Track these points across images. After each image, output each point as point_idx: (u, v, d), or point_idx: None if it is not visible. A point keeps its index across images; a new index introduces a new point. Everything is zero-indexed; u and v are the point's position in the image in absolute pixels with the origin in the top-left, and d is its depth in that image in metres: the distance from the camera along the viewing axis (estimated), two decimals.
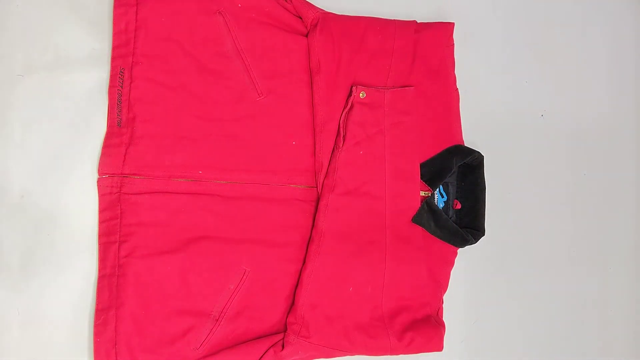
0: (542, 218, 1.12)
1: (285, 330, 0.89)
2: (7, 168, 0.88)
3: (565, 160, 1.13)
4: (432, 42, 0.96)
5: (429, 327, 0.92)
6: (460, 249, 0.97)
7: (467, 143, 1.00)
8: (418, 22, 0.98)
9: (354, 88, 0.91)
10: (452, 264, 0.97)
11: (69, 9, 0.91)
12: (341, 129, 0.91)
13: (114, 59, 0.89)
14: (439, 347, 0.92)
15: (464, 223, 0.98)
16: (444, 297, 0.97)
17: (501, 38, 1.11)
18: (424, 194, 0.94)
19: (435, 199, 0.98)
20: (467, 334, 1.06)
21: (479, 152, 0.96)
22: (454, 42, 0.99)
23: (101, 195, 0.87)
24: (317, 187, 0.92)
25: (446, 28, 0.98)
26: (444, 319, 0.96)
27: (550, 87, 1.13)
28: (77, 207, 0.89)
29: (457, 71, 0.99)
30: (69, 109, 0.90)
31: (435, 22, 0.99)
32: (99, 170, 0.87)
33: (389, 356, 0.91)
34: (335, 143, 0.92)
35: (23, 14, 0.90)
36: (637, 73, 1.17)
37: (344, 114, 0.91)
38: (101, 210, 0.87)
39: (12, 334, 0.86)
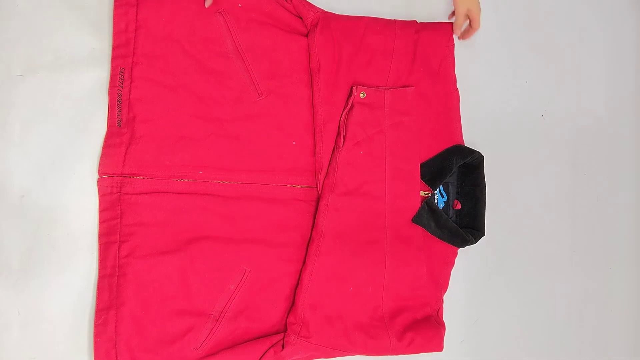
0: (542, 218, 1.12)
1: (285, 330, 0.89)
2: (7, 168, 0.88)
3: (565, 160, 1.13)
4: (432, 42, 0.96)
5: (429, 327, 0.92)
6: (460, 249, 0.97)
7: (467, 143, 1.00)
8: (418, 22, 0.98)
9: (354, 88, 0.91)
10: (452, 264, 0.97)
11: (69, 9, 0.91)
12: (341, 129, 0.91)
13: (114, 59, 0.89)
14: (439, 347, 0.92)
15: (464, 223, 0.98)
16: (444, 297, 0.97)
17: (501, 38, 1.11)
18: (424, 194, 0.94)
19: (436, 199, 0.98)
20: (467, 334, 1.06)
21: (479, 152, 0.96)
22: (454, 42, 0.99)
23: (101, 196, 0.87)
24: (317, 187, 0.92)
25: (446, 28, 0.98)
26: (444, 319, 0.96)
27: (550, 87, 1.13)
28: (77, 206, 0.89)
29: (457, 71, 0.99)
30: (69, 109, 0.90)
31: (436, 22, 0.99)
32: (99, 171, 0.87)
33: (389, 356, 0.91)
34: (336, 143, 0.92)
35: (23, 14, 0.90)
36: (637, 73, 1.17)
37: (344, 114, 0.91)
38: (101, 210, 0.87)
39: (12, 334, 0.86)
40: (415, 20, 0.98)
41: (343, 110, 0.92)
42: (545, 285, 1.11)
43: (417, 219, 0.92)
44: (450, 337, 0.95)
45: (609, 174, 1.16)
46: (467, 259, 1.04)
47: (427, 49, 0.96)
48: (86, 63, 0.91)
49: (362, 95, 0.91)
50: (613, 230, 1.16)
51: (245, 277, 0.89)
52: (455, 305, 1.02)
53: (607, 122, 1.16)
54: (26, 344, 0.86)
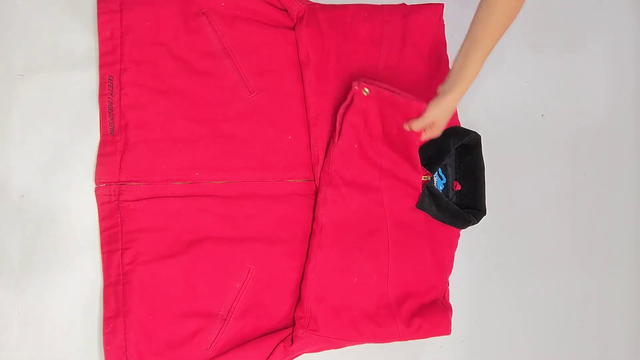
0: (543, 218, 1.12)
1: (293, 325, 0.89)
2: (8, 168, 0.87)
3: (565, 160, 1.13)
4: (421, 25, 0.95)
5: (436, 312, 0.92)
6: (460, 246, 0.97)
7: None
8: (407, 4, 0.96)
9: (355, 83, 0.88)
10: (455, 246, 0.97)
11: (68, 9, 0.91)
12: (337, 123, 0.90)
13: (101, 67, 0.88)
14: (446, 331, 0.92)
15: (465, 204, 0.97)
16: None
17: (501, 38, 1.10)
18: (423, 179, 0.94)
19: (435, 183, 0.97)
20: (468, 334, 1.06)
21: (475, 132, 0.95)
22: (444, 23, 0.98)
23: (100, 205, 0.86)
24: (314, 180, 0.92)
25: (435, 10, 0.96)
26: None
27: (550, 87, 1.13)
28: (77, 206, 0.89)
29: None
30: (69, 108, 0.90)
31: (424, 4, 0.96)
32: (95, 180, 0.87)
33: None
34: (331, 135, 0.91)
35: (23, 14, 0.90)
36: (637, 73, 1.17)
37: (342, 108, 0.89)
38: (101, 219, 0.86)
39: (12, 334, 0.86)
40: (404, 3, 0.97)
41: (341, 104, 0.89)
42: (545, 285, 1.11)
43: (418, 205, 0.92)
44: (451, 337, 0.95)
45: (609, 174, 1.16)
46: (467, 259, 1.04)
47: (417, 33, 0.95)
48: (86, 63, 0.90)
49: (365, 92, 0.87)
50: (613, 230, 1.16)
51: (249, 275, 0.88)
52: (455, 305, 1.02)
53: (607, 122, 1.16)
54: (26, 344, 0.86)
